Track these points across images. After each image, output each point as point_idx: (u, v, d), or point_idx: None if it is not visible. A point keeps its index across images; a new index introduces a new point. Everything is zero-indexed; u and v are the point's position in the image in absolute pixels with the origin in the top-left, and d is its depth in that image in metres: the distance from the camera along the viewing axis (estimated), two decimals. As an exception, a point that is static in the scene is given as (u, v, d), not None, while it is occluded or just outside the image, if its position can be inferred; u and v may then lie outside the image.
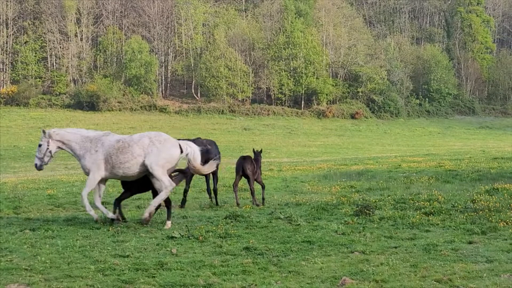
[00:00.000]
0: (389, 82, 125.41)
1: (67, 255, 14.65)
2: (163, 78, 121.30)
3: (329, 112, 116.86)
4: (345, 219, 19.24)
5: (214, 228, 17.93)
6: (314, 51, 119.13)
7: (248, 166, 23.38)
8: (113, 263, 13.78)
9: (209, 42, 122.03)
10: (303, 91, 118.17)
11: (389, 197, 23.91)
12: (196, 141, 22.38)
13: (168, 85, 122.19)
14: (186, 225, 18.13)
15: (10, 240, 16.63)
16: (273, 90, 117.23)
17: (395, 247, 15.40)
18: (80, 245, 15.78)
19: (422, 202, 21.89)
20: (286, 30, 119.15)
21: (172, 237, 16.72)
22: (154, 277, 12.82)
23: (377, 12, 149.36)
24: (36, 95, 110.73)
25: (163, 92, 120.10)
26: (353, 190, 27.89)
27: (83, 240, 16.60)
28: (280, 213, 20.54)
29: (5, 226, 18.92)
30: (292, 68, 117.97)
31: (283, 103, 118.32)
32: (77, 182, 33.47)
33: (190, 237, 16.74)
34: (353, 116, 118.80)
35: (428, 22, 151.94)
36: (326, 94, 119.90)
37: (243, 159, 23.67)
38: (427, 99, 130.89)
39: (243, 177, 23.86)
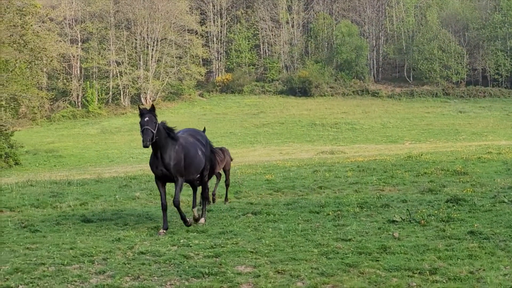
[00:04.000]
0: None
1: (290, 239, 14.80)
2: (375, 62, 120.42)
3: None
4: None
5: (435, 212, 17.49)
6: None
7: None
8: (335, 247, 13.75)
9: (421, 24, 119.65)
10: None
11: None
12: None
13: (380, 69, 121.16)
14: (407, 209, 17.78)
15: (234, 223, 17.06)
16: (489, 71, 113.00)
17: None
18: (302, 229, 15.90)
19: None
20: (502, 8, 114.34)
21: (393, 221, 16.48)
22: (377, 260, 12.66)
23: None
24: (249, 82, 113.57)
25: (375, 76, 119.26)
26: None
27: (304, 224, 16.72)
28: (504, 196, 19.68)
29: (228, 210, 19.44)
30: (509, 48, 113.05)
31: (499, 85, 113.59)
32: (293, 167, 33.84)
33: (411, 221, 16.44)
34: None
35: None
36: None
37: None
38: None
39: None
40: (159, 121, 17.01)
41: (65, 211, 21.01)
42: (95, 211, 20.29)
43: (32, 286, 11.56)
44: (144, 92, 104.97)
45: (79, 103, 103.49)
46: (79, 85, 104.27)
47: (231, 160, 23.00)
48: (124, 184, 27.62)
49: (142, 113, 16.63)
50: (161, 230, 16.43)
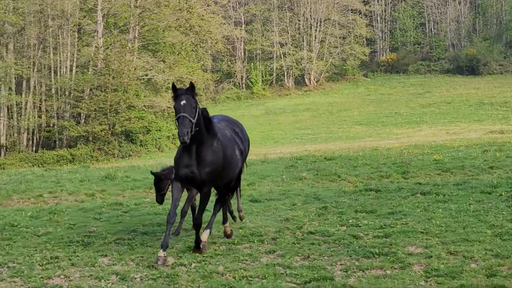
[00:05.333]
0: None
1: (461, 219, 14.43)
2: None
3: None
4: None
5: None
6: None
7: None
8: (510, 228, 13.27)
9: None
10: None
11: None
12: None
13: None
14: None
15: (403, 204, 16.80)
16: None
17: None
18: (474, 210, 15.47)
19: None
20: None
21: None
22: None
23: None
24: (415, 62, 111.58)
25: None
26: None
27: (476, 204, 16.24)
28: None
29: (397, 191, 19.17)
30: None
31: None
32: (462, 147, 32.99)
33: None
34: None
35: None
36: None
37: None
38: None
39: None
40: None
41: (233, 192, 21.41)
42: (262, 191, 20.56)
43: (205, 264, 11.82)
44: (308, 73, 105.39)
45: (243, 85, 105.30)
46: (243, 67, 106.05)
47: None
48: (290, 165, 27.80)
49: (177, 95, 12.32)
50: (160, 252, 12.08)
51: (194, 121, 12.01)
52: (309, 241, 13.16)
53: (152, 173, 14.60)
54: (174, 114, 12.52)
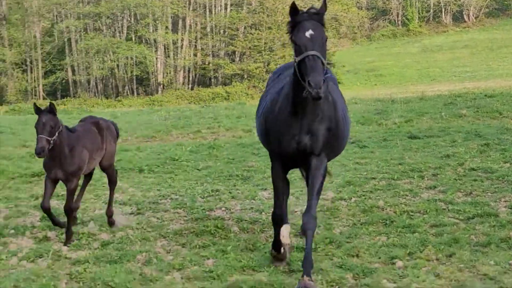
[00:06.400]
0: None
1: None
2: None
3: None
4: None
5: None
6: None
7: None
8: None
9: None
10: None
11: None
12: None
13: None
14: None
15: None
16: None
17: None
18: None
19: None
20: None
21: None
22: None
23: None
24: None
25: None
26: None
27: None
28: None
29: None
30: None
31: None
32: None
33: None
34: None
35: None
36: None
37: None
38: None
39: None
40: None
41: (390, 128, 21.26)
42: (421, 128, 20.30)
43: (365, 198, 11.80)
44: (467, 9, 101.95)
45: (399, 22, 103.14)
46: (399, 4, 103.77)
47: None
48: (449, 102, 27.24)
49: (298, 21, 7.86)
50: (304, 280, 7.60)
51: (326, 63, 7.70)
52: (471, 177, 12.88)
53: (39, 110, 9.77)
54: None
